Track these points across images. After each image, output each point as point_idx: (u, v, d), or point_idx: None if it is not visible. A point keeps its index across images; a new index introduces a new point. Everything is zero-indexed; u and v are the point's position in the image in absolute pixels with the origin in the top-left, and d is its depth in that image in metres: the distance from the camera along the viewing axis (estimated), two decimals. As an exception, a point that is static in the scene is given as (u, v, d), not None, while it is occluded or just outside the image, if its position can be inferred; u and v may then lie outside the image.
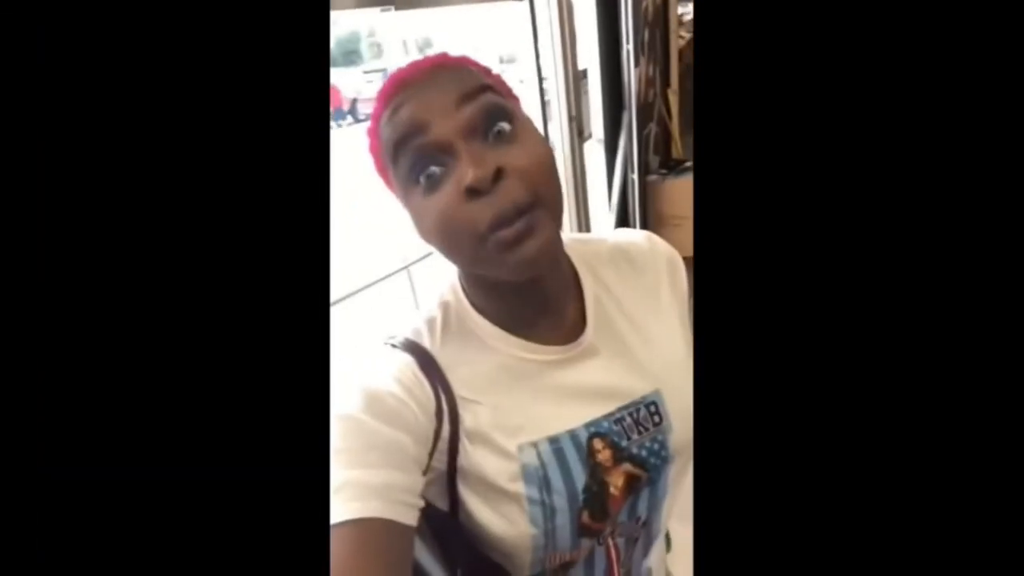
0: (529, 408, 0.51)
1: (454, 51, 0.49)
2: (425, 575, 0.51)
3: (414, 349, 0.50)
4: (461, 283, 0.54)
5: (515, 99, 0.49)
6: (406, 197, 0.46)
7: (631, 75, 2.18)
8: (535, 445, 0.50)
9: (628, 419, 0.53)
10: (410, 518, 0.44)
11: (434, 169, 0.44)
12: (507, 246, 0.43)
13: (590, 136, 2.09)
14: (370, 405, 0.45)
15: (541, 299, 0.52)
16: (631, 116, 2.23)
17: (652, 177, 2.51)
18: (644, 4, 2.36)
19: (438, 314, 0.53)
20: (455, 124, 0.43)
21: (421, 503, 0.46)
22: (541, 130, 1.88)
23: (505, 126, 0.45)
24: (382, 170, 0.49)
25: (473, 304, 0.53)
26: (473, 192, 0.42)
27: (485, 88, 0.45)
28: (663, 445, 0.54)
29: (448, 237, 0.44)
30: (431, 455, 0.47)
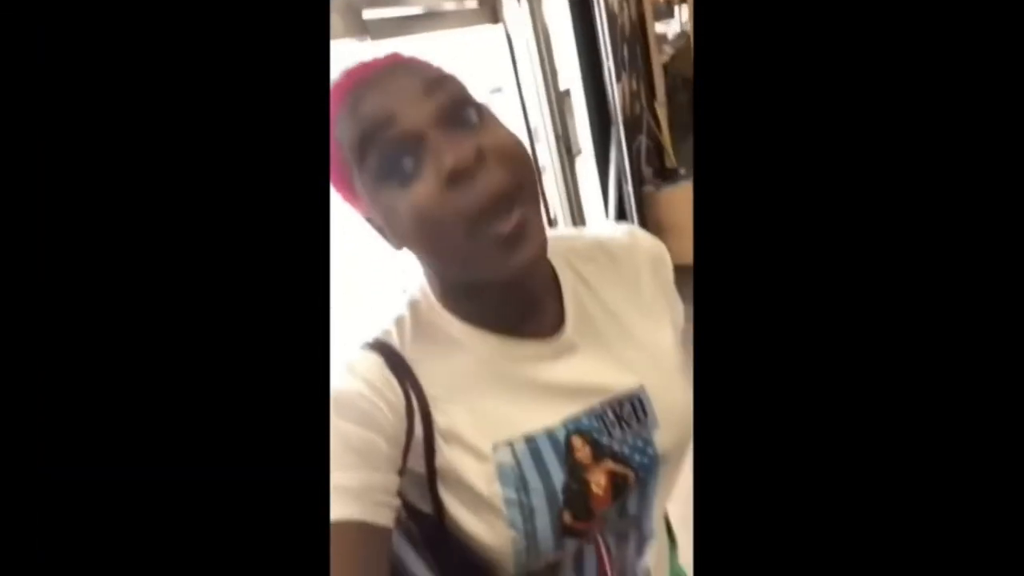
0: (504, 406, 0.49)
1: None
2: None
3: (382, 349, 0.48)
4: (429, 281, 0.52)
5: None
6: (376, 198, 0.44)
7: (615, 91, 2.19)
8: (510, 444, 0.47)
9: (610, 415, 0.51)
10: (386, 519, 0.43)
11: (407, 161, 0.41)
12: (504, 245, 0.41)
13: (579, 152, 2.10)
14: (340, 407, 0.44)
15: (518, 296, 0.49)
16: (619, 130, 2.24)
17: (647, 188, 2.52)
18: (620, 22, 2.39)
19: (407, 313, 0.51)
20: (425, 112, 0.41)
21: (397, 502, 0.44)
22: (529, 151, 1.88)
23: (473, 114, 0.42)
24: (342, 180, 0.46)
25: (443, 302, 0.51)
26: (455, 176, 0.39)
27: (447, 77, 0.43)
28: (648, 442, 0.51)
29: (431, 232, 0.41)
30: (405, 456, 0.46)
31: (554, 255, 0.54)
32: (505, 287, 0.47)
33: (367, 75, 0.43)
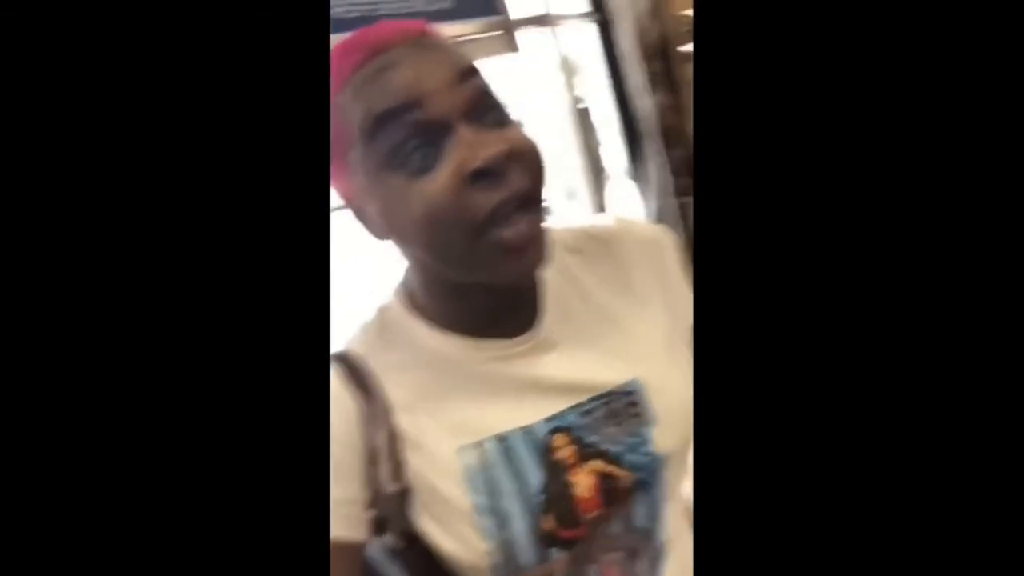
0: (473, 408, 0.46)
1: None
2: None
3: (342, 359, 0.47)
4: (404, 284, 0.50)
5: None
6: (377, 181, 0.41)
7: (647, 105, 2.13)
8: (479, 445, 0.44)
9: (600, 411, 0.47)
10: (348, 529, 0.41)
11: (425, 150, 0.38)
12: (509, 250, 0.39)
13: (609, 176, 2.05)
14: None
15: (496, 298, 0.46)
16: (658, 144, 2.17)
17: (684, 199, 2.43)
18: (652, 36, 2.33)
19: (374, 319, 0.50)
20: (456, 100, 0.38)
21: (365, 515, 0.43)
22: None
23: (499, 112, 0.40)
24: (337, 152, 0.43)
25: (414, 306, 0.49)
26: (480, 176, 0.37)
27: (478, 68, 0.41)
28: (645, 440, 0.47)
29: (438, 229, 0.39)
30: (372, 466, 0.44)
31: None
32: (488, 289, 0.45)
33: (393, 41, 0.40)
